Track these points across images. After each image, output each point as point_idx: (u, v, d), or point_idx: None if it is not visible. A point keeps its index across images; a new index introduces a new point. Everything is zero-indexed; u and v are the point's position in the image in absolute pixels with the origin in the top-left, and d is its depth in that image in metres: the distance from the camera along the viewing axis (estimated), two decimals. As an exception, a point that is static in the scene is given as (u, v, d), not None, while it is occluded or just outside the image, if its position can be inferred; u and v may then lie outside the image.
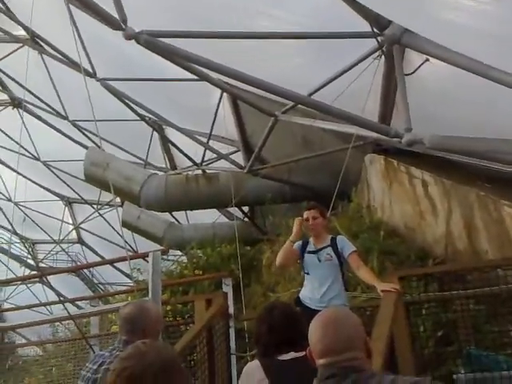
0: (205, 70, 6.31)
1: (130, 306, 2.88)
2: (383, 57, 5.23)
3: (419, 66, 4.89)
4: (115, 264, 16.16)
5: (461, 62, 4.16)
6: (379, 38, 4.95)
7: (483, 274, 5.04)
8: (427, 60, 4.75)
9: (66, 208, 19.89)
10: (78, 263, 21.42)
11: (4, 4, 10.25)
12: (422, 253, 6.63)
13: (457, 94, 5.06)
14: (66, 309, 5.51)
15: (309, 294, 4.53)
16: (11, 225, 16.47)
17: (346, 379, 1.64)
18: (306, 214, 4.64)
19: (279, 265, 4.85)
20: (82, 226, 20.26)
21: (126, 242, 13.47)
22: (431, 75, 5.01)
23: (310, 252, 4.59)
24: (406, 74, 4.98)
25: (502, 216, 5.36)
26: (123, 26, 4.92)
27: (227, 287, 6.31)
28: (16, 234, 18.22)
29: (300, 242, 4.71)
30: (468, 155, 5.41)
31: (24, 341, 12.21)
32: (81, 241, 21.28)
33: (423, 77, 5.03)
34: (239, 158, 10.62)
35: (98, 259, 19.79)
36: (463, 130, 5.04)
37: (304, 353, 1.97)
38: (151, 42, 5.14)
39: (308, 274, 4.62)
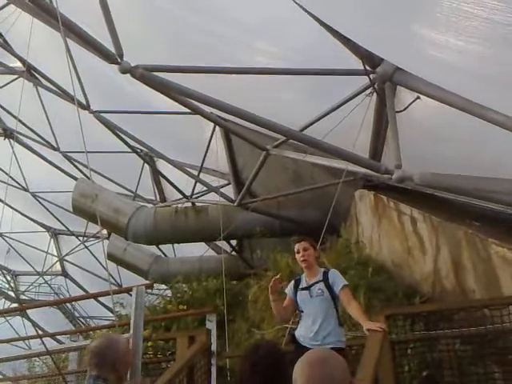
0: (198, 104, 6.38)
1: (99, 340, 2.86)
2: (375, 94, 5.34)
3: (410, 104, 4.99)
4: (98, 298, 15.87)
5: (451, 100, 4.25)
6: (371, 76, 5.06)
7: (470, 313, 5.00)
8: (418, 98, 4.86)
9: (52, 240, 19.68)
10: (61, 296, 21.06)
11: (1, 36, 10.41)
12: (409, 290, 6.60)
13: (446, 132, 5.15)
14: (43, 343, 5.37)
15: (302, 331, 4.46)
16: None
17: None
18: (296, 247, 4.63)
19: (280, 321, 4.85)
20: (66, 258, 20.02)
21: (111, 275, 13.30)
22: (422, 113, 5.11)
23: (302, 289, 4.54)
24: (397, 111, 5.08)
25: (489, 255, 5.37)
26: (119, 60, 4.98)
27: (211, 324, 6.21)
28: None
29: (292, 282, 4.68)
30: (456, 193, 5.48)
31: (-1, 376, 11.82)
32: (64, 273, 20.97)
33: (414, 114, 5.13)
34: (229, 191, 10.65)
35: (81, 292, 19.49)
36: (452, 167, 5.11)
37: None
38: (146, 76, 5.21)
39: (302, 311, 4.56)
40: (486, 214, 5.78)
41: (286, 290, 4.69)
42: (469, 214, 5.99)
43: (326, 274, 4.50)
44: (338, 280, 4.42)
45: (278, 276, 4.68)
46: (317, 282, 4.46)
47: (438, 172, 4.98)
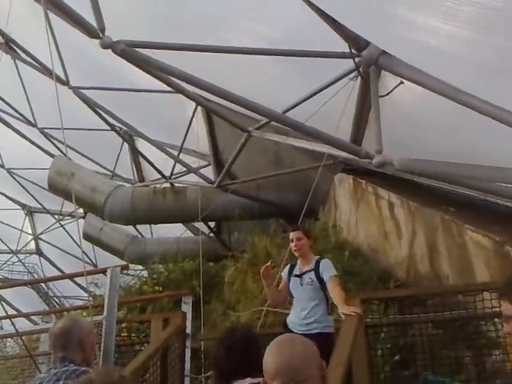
0: (180, 83, 6.29)
1: (62, 320, 2.81)
2: (359, 78, 5.32)
3: (393, 88, 4.99)
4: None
5: (434, 86, 4.25)
6: (356, 59, 5.04)
7: (443, 298, 5.09)
8: (402, 83, 4.86)
9: (27, 217, 19.37)
10: (35, 275, 20.82)
11: (-22, 7, 10.06)
12: (384, 274, 6.68)
13: (428, 119, 5.17)
14: (13, 324, 5.32)
15: (292, 317, 4.58)
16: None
17: None
18: (290, 236, 4.73)
19: (273, 305, 4.94)
20: (41, 236, 19.75)
21: (86, 255, 13.17)
22: (405, 98, 5.12)
23: (295, 275, 4.64)
24: (381, 96, 5.07)
25: (464, 241, 5.46)
26: (100, 35, 4.86)
27: (186, 306, 6.22)
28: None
29: (288, 267, 4.80)
30: (435, 179, 5.53)
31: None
32: (39, 252, 20.70)
33: (397, 99, 5.14)
34: (209, 172, 10.59)
35: (56, 271, 19.28)
36: (431, 154, 5.14)
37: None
38: (128, 52, 5.08)
39: (293, 297, 4.67)
40: (463, 200, 5.87)
41: (282, 274, 4.81)
42: (446, 199, 6.07)
43: (318, 263, 4.58)
44: (326, 270, 4.50)
45: (269, 263, 4.78)
46: (308, 271, 4.56)
47: (417, 157, 5.02)
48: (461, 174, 4.69)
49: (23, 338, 8.62)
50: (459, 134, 4.97)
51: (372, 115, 5.33)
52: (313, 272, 4.52)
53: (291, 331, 4.36)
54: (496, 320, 4.50)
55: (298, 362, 1.66)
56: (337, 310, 4.91)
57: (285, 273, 4.78)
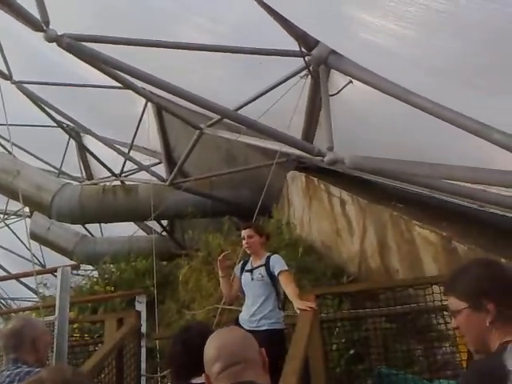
0: (129, 78, 6.13)
1: (13, 321, 2.75)
2: (309, 76, 5.35)
3: (342, 88, 5.04)
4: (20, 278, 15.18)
5: (382, 86, 4.32)
6: (306, 58, 5.06)
7: (395, 292, 5.21)
8: (350, 82, 4.91)
9: (-31, 216, 18.51)
10: (-22, 276, 19.92)
11: None
12: (337, 270, 6.79)
13: (376, 118, 5.26)
14: (-40, 326, 5.08)
15: (243, 314, 4.60)
16: None
17: None
18: (242, 233, 4.77)
19: (228, 301, 4.98)
20: (-16, 236, 18.94)
21: (34, 256, 12.73)
22: (354, 97, 5.18)
23: (246, 271, 4.67)
24: (331, 95, 5.11)
25: (412, 236, 5.60)
26: (45, 28, 4.66)
27: (140, 305, 6.15)
28: None
29: (240, 263, 4.84)
30: (384, 176, 5.64)
31: None
32: (-17, 252, 19.85)
33: (346, 98, 5.20)
34: (161, 170, 10.43)
35: (2, 272, 18.54)
36: (381, 151, 5.23)
37: None
38: (74, 46, 4.89)
39: (243, 293, 4.70)
40: (411, 197, 6.01)
41: (235, 270, 4.84)
42: (394, 196, 6.21)
43: (268, 258, 4.61)
44: (277, 265, 4.53)
45: (227, 252, 4.94)
46: (259, 266, 4.59)
47: (367, 155, 5.10)
48: (408, 172, 4.79)
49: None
50: (407, 133, 5.08)
51: (323, 113, 5.38)
52: (263, 267, 4.56)
53: (242, 328, 4.37)
54: (445, 313, 4.63)
55: (237, 344, 1.73)
56: (290, 306, 4.97)
57: (237, 269, 4.81)
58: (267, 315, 4.44)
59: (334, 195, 7.04)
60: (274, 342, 4.20)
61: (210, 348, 1.75)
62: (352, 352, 5.25)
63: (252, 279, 4.58)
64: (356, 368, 5.27)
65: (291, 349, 3.74)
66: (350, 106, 5.45)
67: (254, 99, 6.13)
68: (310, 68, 5.23)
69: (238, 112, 6.14)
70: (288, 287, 4.43)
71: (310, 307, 4.32)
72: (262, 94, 5.97)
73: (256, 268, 4.61)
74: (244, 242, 4.71)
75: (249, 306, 4.56)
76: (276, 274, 4.48)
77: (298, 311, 4.32)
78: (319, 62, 5.05)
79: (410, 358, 5.14)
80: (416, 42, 3.46)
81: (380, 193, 6.44)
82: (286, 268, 4.58)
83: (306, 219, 7.88)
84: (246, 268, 4.69)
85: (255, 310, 4.47)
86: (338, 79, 5.18)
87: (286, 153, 6.59)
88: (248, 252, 4.77)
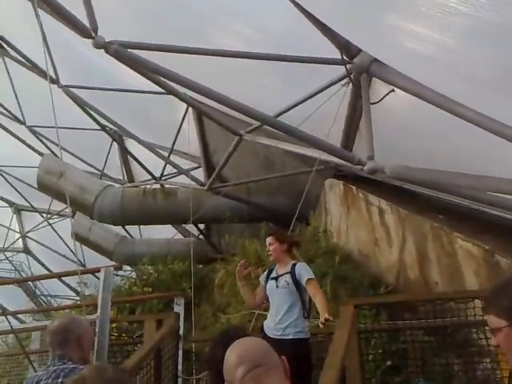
0: (172, 84, 6.25)
1: (60, 319, 2.82)
2: (350, 84, 5.32)
3: (384, 96, 4.99)
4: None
5: (425, 95, 4.26)
6: (348, 66, 5.04)
7: (434, 305, 5.11)
8: (392, 91, 4.86)
9: (15, 215, 19.21)
10: (22, 273, 20.66)
11: (-32, 3, 9.92)
12: (374, 280, 6.70)
13: (418, 126, 5.19)
14: (8, 321, 5.27)
15: (268, 321, 4.54)
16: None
17: None
18: (266, 241, 4.76)
19: (251, 307, 4.92)
20: (29, 234, 19.59)
21: (75, 255, 13.08)
22: (395, 105, 5.13)
23: (271, 278, 4.62)
24: (372, 103, 5.07)
25: (454, 248, 5.48)
26: (93, 35, 4.80)
27: (179, 307, 6.18)
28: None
29: (266, 271, 4.79)
30: (425, 186, 5.54)
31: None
32: (26, 250, 20.53)
33: (388, 106, 5.15)
34: (199, 174, 10.55)
35: (43, 269, 19.16)
36: (422, 160, 5.16)
37: None
38: (121, 52, 5.03)
39: (268, 301, 4.65)
40: (453, 208, 5.89)
41: (260, 278, 4.80)
42: (435, 207, 6.09)
43: (294, 266, 4.54)
44: (303, 273, 4.45)
45: (244, 261, 4.82)
46: (284, 274, 4.52)
47: (407, 164, 5.03)
48: (451, 183, 4.70)
49: (12, 336, 8.54)
50: (450, 142, 4.99)
51: (363, 122, 5.34)
52: (289, 275, 4.48)
53: (266, 336, 4.34)
54: (486, 328, 4.50)
55: (259, 348, 1.74)
56: (315, 314, 4.91)
57: (263, 276, 4.77)
58: (293, 323, 4.35)
59: (372, 204, 6.96)
60: (299, 351, 4.14)
61: (232, 355, 1.74)
62: (389, 363, 5.17)
63: (277, 287, 4.50)
64: (393, 380, 5.19)
65: (328, 358, 3.72)
66: (391, 114, 5.39)
67: (294, 106, 6.14)
68: (352, 76, 5.21)
69: (278, 119, 6.17)
70: (317, 297, 4.33)
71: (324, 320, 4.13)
72: (302, 102, 5.97)
73: (281, 275, 4.52)
74: (267, 249, 4.72)
75: (273, 314, 4.49)
76: (303, 282, 4.39)
77: (321, 325, 4.15)
78: (361, 70, 5.02)
79: (448, 372, 5.02)
80: (460, 51, 3.40)
81: (420, 203, 6.34)
82: (313, 276, 4.47)
83: (343, 227, 7.82)
84: (272, 276, 4.62)
85: (280, 318, 4.40)
86: (379, 87, 5.14)
87: (324, 160, 6.56)
88: (271, 259, 4.74)
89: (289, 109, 6.19)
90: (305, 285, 4.40)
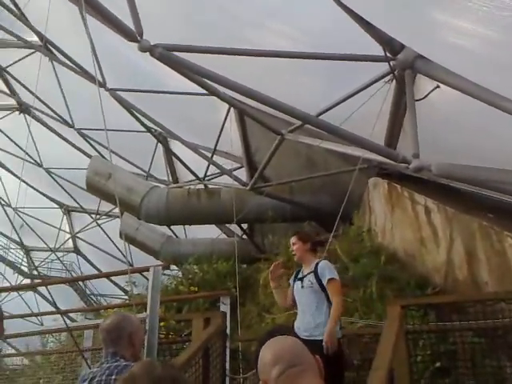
0: (214, 85, 6.32)
1: (112, 317, 2.87)
2: (394, 81, 5.24)
3: (430, 92, 4.89)
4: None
5: (471, 90, 4.15)
6: (391, 63, 4.96)
7: (484, 306, 4.96)
8: (438, 87, 4.75)
9: (65, 216, 19.84)
10: (72, 272, 21.32)
11: (19, 10, 10.33)
12: (421, 280, 6.57)
13: (465, 122, 5.05)
14: (64, 320, 5.48)
15: (297, 322, 4.51)
16: (15, 230, 16.37)
17: None
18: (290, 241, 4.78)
19: (283, 308, 4.89)
20: (78, 235, 20.19)
21: (124, 256, 13.42)
22: (440, 102, 5.01)
23: (297, 279, 4.60)
24: (417, 100, 4.98)
25: (504, 247, 5.30)
26: (139, 39, 4.91)
27: (225, 306, 6.21)
28: (13, 240, 18.13)
29: (295, 272, 4.76)
30: (473, 184, 5.39)
31: (12, 350, 12.01)
32: (76, 250, 21.17)
33: (432, 102, 5.03)
34: (242, 174, 10.61)
35: (92, 269, 19.70)
36: (468, 157, 5.02)
37: None
38: (165, 55, 5.14)
39: (296, 302, 4.63)
40: (501, 206, 5.70)
41: (290, 280, 4.78)
42: (483, 205, 5.91)
43: (317, 265, 4.49)
44: (325, 272, 4.40)
45: (278, 262, 4.81)
46: (309, 274, 4.49)
47: (453, 161, 4.90)
48: (499, 180, 4.56)
49: (65, 334, 8.81)
50: (498, 139, 4.83)
51: (407, 119, 5.24)
52: (312, 274, 4.44)
53: (296, 336, 4.29)
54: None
55: (294, 348, 1.74)
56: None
57: (292, 279, 4.74)
58: (322, 324, 4.27)
59: (418, 203, 6.82)
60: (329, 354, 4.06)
61: (267, 354, 1.74)
62: (438, 365, 5.06)
63: (302, 287, 4.47)
64: (442, 382, 5.07)
65: (376, 359, 3.70)
66: (435, 110, 5.27)
67: (336, 104, 6.09)
68: (395, 72, 5.13)
69: (320, 118, 6.13)
70: (334, 299, 4.27)
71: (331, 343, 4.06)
72: (344, 100, 5.92)
73: (306, 276, 4.49)
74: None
75: (301, 316, 4.46)
76: (325, 282, 4.34)
77: (324, 341, 4.07)
78: (405, 67, 4.94)
79: (500, 375, 4.86)
80: (503, 44, 3.29)
81: (467, 201, 6.16)
82: (335, 276, 4.38)
83: (387, 227, 7.70)
84: (298, 276, 4.60)
85: (308, 319, 4.36)
86: (423, 83, 5.04)
87: (367, 159, 6.48)
88: (295, 259, 4.72)
89: (331, 107, 6.15)
90: (326, 284, 4.34)
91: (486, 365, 4.95)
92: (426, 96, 4.98)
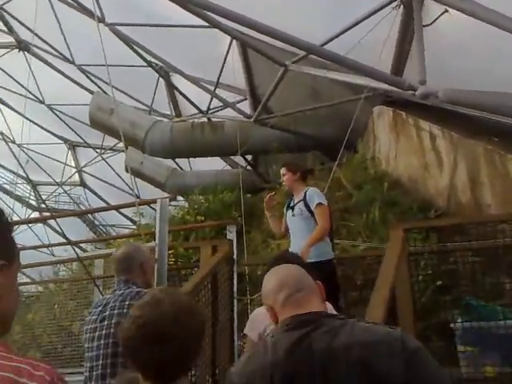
0: (216, 17, 6.21)
1: (124, 247, 2.99)
2: (401, 7, 5.17)
3: (438, 17, 4.84)
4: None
5: (481, 14, 4.13)
6: (398, -13, 4.88)
7: (486, 227, 5.11)
8: (446, 11, 4.70)
9: (69, 151, 19.88)
10: (81, 205, 21.61)
11: None
12: (424, 204, 6.72)
13: (472, 47, 5.03)
14: (74, 250, 5.67)
15: (290, 248, 4.61)
16: (21, 166, 16.45)
17: (321, 327, 1.60)
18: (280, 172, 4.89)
19: (278, 235, 5.07)
20: (84, 169, 20.31)
21: (131, 188, 13.63)
22: (448, 27, 4.97)
23: (289, 207, 4.70)
24: (424, 25, 4.93)
25: (507, 170, 5.41)
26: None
27: (231, 234, 6.41)
28: (20, 175, 18.27)
29: (288, 201, 4.86)
30: (480, 109, 5.43)
31: (26, 279, 12.45)
32: (83, 183, 21.37)
33: (441, 28, 4.99)
34: (245, 106, 10.57)
35: (100, 201, 19.95)
36: (476, 82, 5.03)
37: None
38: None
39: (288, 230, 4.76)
40: (507, 131, 5.75)
41: (284, 208, 4.87)
42: (489, 129, 5.96)
43: (305, 193, 4.58)
44: (313, 198, 4.50)
45: (273, 193, 4.97)
46: (299, 202, 4.59)
47: (460, 87, 4.92)
48: (507, 104, 4.60)
49: (76, 264, 9.10)
50: (506, 63, 4.83)
51: (414, 45, 5.21)
52: (302, 202, 4.54)
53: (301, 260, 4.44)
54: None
55: (298, 274, 1.81)
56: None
57: (285, 207, 4.84)
58: (313, 247, 4.31)
59: (423, 129, 6.88)
60: (323, 273, 4.16)
61: (273, 280, 1.79)
62: (439, 283, 5.29)
63: (293, 215, 4.57)
64: (443, 298, 5.29)
65: (378, 279, 3.82)
66: (443, 35, 5.23)
67: (342, 33, 6.01)
68: (402, -2, 5.06)
69: (325, 47, 6.06)
70: (319, 222, 4.38)
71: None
72: (350, 27, 5.84)
73: (296, 204, 4.59)
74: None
75: (293, 241, 4.59)
76: (313, 207, 4.44)
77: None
78: (412, -9, 4.86)
79: (498, 290, 5.10)
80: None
81: (473, 126, 6.20)
82: (323, 201, 4.49)
83: (392, 154, 7.80)
84: (290, 205, 4.69)
85: (300, 244, 4.41)
86: (431, 8, 4.98)
87: (372, 87, 6.47)
88: (286, 189, 4.89)
89: (336, 36, 6.08)
90: (313, 209, 4.44)
91: (486, 282, 5.18)
92: (434, 21, 4.94)
